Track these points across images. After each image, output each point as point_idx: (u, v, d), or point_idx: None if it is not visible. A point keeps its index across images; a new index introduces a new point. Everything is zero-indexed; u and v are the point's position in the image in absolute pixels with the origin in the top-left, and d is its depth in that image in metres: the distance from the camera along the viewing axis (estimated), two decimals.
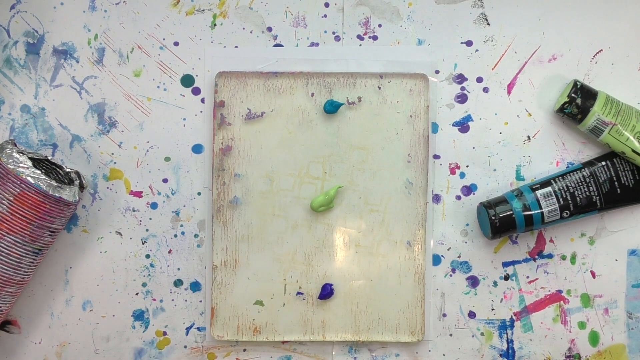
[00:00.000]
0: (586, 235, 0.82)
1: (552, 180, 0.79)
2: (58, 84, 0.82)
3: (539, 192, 0.78)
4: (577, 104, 0.78)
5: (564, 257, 0.82)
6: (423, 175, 0.81)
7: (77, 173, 0.79)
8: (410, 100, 0.81)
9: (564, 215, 0.78)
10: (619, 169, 0.79)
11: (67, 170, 0.79)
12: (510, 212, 0.78)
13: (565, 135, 0.82)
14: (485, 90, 0.82)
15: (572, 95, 0.78)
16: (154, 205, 0.82)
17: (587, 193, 0.78)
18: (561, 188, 0.78)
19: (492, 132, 0.82)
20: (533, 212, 0.78)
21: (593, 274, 0.82)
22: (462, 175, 0.82)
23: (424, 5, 0.82)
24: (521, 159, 0.82)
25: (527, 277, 0.82)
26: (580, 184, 0.78)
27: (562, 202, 0.78)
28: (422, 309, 0.81)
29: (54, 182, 0.75)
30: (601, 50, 0.82)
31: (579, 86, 0.78)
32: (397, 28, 0.82)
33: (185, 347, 0.82)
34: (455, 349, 0.82)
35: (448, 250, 0.82)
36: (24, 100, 0.82)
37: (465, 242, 0.82)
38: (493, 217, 0.78)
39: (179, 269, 0.82)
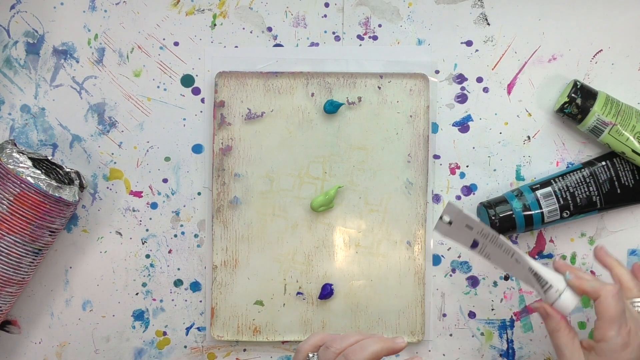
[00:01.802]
0: (586, 235, 0.82)
1: (552, 180, 0.79)
2: (58, 84, 0.82)
3: (539, 192, 0.78)
4: (577, 104, 0.78)
5: (564, 257, 0.82)
6: (423, 175, 0.81)
7: (77, 173, 0.79)
8: (410, 100, 0.81)
9: (564, 215, 0.78)
10: (619, 169, 0.79)
11: (67, 170, 0.79)
12: (510, 212, 0.78)
13: (565, 135, 0.82)
14: (485, 90, 0.82)
15: (572, 95, 0.78)
16: (154, 205, 0.82)
17: (587, 193, 0.78)
18: (561, 188, 0.78)
19: (492, 132, 0.82)
20: (533, 212, 0.78)
21: (593, 274, 0.82)
22: (462, 175, 0.82)
23: (424, 5, 0.82)
24: (521, 159, 0.82)
25: None
26: (580, 184, 0.78)
27: (562, 202, 0.78)
28: (422, 309, 0.81)
29: (54, 182, 0.75)
30: (601, 50, 0.82)
31: (579, 86, 0.78)
32: (397, 28, 0.82)
33: (185, 347, 0.83)
34: (455, 349, 0.82)
35: (448, 250, 0.82)
36: (24, 100, 0.82)
37: None
38: (493, 217, 0.78)
39: (179, 269, 0.82)
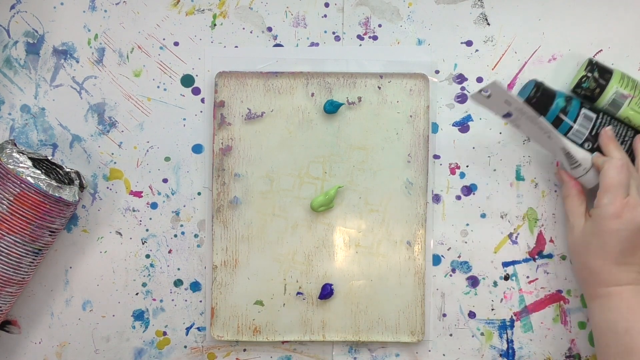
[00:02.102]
0: None
1: (602, 112, 0.78)
2: (58, 84, 0.82)
3: (584, 110, 0.77)
4: (595, 78, 0.77)
5: (563, 257, 0.82)
6: (423, 175, 0.81)
7: (77, 173, 0.79)
8: (410, 100, 0.81)
9: (586, 146, 0.78)
10: None
11: (67, 170, 0.79)
12: (551, 102, 0.77)
13: None
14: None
15: (589, 72, 0.77)
16: (154, 205, 0.82)
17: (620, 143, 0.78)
18: (603, 123, 0.78)
19: (492, 132, 0.82)
20: (565, 119, 0.77)
21: None
22: (462, 175, 0.82)
23: (424, 5, 0.82)
24: (521, 159, 0.82)
25: (527, 277, 0.82)
26: (619, 134, 0.78)
27: (593, 134, 0.77)
28: (422, 309, 0.81)
29: (54, 182, 0.75)
30: (601, 50, 0.82)
31: (594, 62, 0.78)
32: (397, 28, 0.82)
33: (185, 347, 0.83)
34: (455, 349, 0.82)
35: (448, 250, 0.82)
36: (24, 100, 0.82)
37: (465, 242, 0.82)
38: (532, 94, 0.77)
39: (179, 269, 0.82)
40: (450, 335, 0.82)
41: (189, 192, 0.82)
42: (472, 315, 0.82)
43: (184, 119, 0.82)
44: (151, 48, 0.82)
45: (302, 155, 0.81)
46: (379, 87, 0.81)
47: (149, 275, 0.82)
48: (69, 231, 0.82)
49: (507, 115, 0.73)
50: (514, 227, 0.82)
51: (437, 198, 0.82)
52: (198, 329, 0.82)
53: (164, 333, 0.82)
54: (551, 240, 0.82)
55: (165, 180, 0.82)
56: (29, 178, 0.74)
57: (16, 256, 0.75)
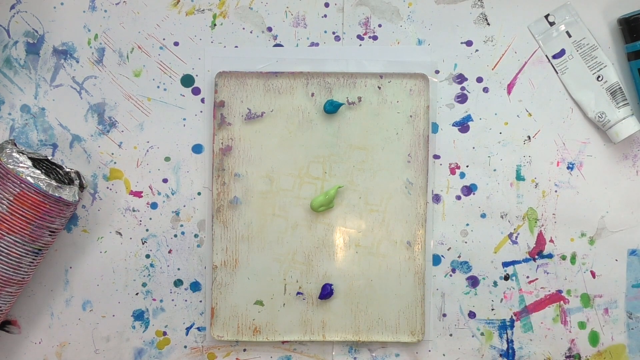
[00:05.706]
0: (586, 235, 0.82)
1: None
2: (58, 84, 0.82)
3: None
4: None
5: (564, 257, 0.82)
6: (423, 175, 0.81)
7: (77, 173, 0.79)
8: (410, 100, 0.81)
9: None
10: None
11: (67, 170, 0.79)
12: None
13: (565, 135, 0.82)
14: (485, 90, 0.82)
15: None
16: (154, 205, 0.82)
17: None
18: None
19: (492, 132, 0.82)
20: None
21: (593, 274, 0.82)
22: (462, 175, 0.82)
23: (424, 5, 0.82)
24: (521, 159, 0.82)
25: (527, 277, 0.82)
26: None
27: None
28: (422, 309, 0.81)
29: (53, 182, 0.75)
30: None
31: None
32: (397, 28, 0.82)
33: (185, 347, 0.83)
34: (455, 349, 0.82)
35: (448, 250, 0.82)
36: (24, 100, 0.82)
37: (465, 242, 0.82)
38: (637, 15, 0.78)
39: (179, 269, 0.82)
40: (450, 335, 0.82)
41: (189, 192, 0.82)
42: (472, 315, 0.82)
43: (184, 119, 0.82)
44: (151, 48, 0.82)
45: (302, 155, 0.81)
46: (379, 87, 0.81)
47: (149, 275, 0.82)
48: (69, 231, 0.82)
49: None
50: (514, 227, 0.82)
51: (437, 198, 0.82)
52: (198, 329, 0.83)
53: (164, 333, 0.82)
54: (551, 240, 0.82)
55: (165, 180, 0.82)
56: (28, 178, 0.74)
57: (16, 256, 0.75)
